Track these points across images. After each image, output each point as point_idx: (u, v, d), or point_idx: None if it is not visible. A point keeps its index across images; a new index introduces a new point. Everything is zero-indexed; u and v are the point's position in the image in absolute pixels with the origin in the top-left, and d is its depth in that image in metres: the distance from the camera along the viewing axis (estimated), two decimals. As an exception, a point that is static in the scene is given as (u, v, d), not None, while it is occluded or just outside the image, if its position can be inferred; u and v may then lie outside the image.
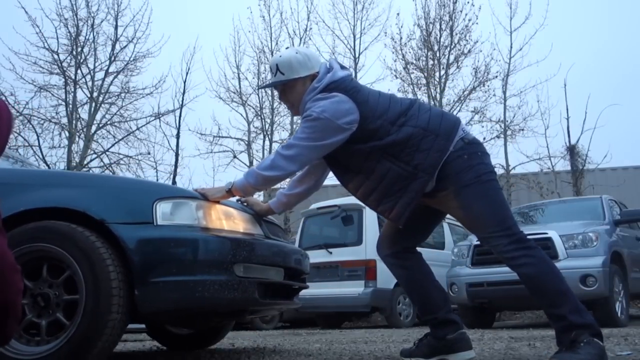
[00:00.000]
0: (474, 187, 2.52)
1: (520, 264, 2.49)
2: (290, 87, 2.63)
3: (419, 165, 2.50)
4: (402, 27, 15.56)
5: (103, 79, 14.39)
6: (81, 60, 14.13)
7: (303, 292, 3.65)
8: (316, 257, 7.91)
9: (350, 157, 2.58)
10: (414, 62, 15.46)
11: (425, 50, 15.37)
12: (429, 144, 2.50)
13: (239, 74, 16.18)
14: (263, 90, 16.00)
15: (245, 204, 2.95)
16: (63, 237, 2.44)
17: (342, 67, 2.65)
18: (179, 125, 14.96)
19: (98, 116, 14.37)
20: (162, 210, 2.54)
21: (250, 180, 2.59)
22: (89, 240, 2.43)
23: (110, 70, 14.42)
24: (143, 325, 4.03)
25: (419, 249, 2.93)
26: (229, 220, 2.71)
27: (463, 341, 2.74)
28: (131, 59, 14.49)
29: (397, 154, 2.52)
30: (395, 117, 2.54)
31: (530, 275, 2.48)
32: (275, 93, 16.14)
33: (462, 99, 15.25)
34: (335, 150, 2.55)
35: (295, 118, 15.77)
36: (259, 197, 16.05)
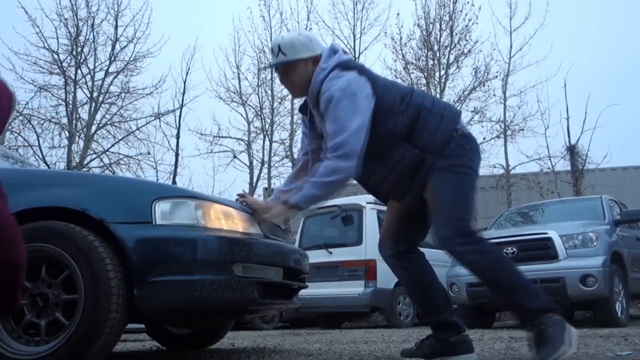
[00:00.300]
0: (445, 172, 2.51)
1: (467, 260, 2.49)
2: (292, 67, 2.60)
3: (425, 146, 2.50)
4: (402, 27, 15.59)
5: (103, 79, 14.42)
6: (81, 60, 14.14)
7: (303, 292, 3.65)
8: (316, 257, 7.91)
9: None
10: (414, 62, 15.48)
11: (425, 50, 15.37)
12: (435, 124, 2.51)
13: (239, 74, 16.21)
14: (263, 90, 16.02)
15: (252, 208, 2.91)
16: (61, 237, 2.44)
17: (344, 52, 2.66)
18: (179, 125, 14.99)
19: (98, 116, 14.40)
20: (161, 210, 2.54)
21: (316, 192, 2.49)
22: (87, 240, 2.43)
23: (110, 70, 14.46)
24: (143, 325, 4.03)
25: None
26: (228, 220, 2.71)
27: (465, 344, 2.72)
28: (131, 59, 14.52)
29: (409, 138, 2.51)
30: (402, 95, 2.55)
31: (477, 270, 2.48)
32: (276, 92, 16.11)
33: (462, 99, 15.26)
34: None
35: (295, 117, 15.78)
36: (259, 196, 16.06)
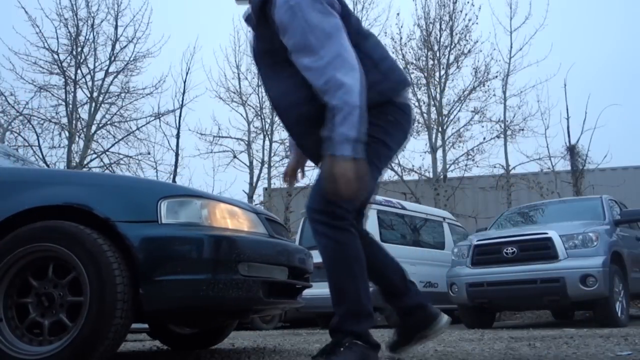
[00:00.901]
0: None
1: (319, 242, 2.18)
2: None
3: None
4: (402, 27, 15.60)
5: (103, 79, 14.41)
6: (81, 60, 14.13)
7: (304, 292, 3.66)
8: (316, 257, 7.89)
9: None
10: (414, 62, 15.48)
11: (425, 50, 15.38)
12: (372, 81, 2.14)
13: (239, 74, 16.19)
14: (263, 90, 15.96)
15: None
16: (70, 238, 2.43)
17: None
18: (179, 125, 14.98)
19: (98, 116, 14.39)
20: (167, 209, 2.54)
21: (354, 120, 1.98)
22: (96, 243, 2.41)
23: (110, 70, 14.44)
24: (143, 325, 4.04)
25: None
26: (233, 219, 2.72)
27: (432, 312, 2.46)
28: (131, 59, 14.52)
29: None
30: (356, 31, 2.23)
31: (323, 259, 2.18)
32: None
33: (462, 99, 15.27)
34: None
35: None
36: (259, 196, 16.08)
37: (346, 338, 2.07)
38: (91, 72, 14.35)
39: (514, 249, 6.57)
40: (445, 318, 2.50)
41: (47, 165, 13.24)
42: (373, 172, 2.17)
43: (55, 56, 13.85)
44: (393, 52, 15.59)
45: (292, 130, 2.35)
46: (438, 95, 15.22)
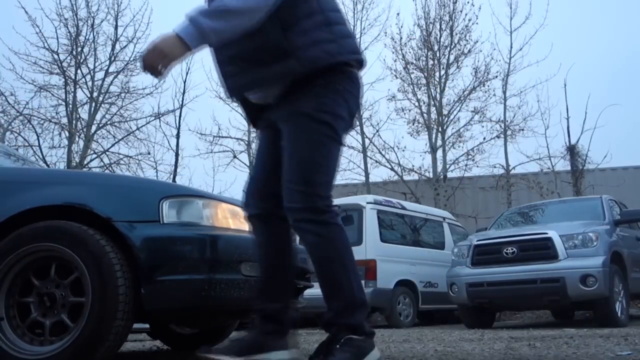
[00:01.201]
0: (307, 119, 2.05)
1: (306, 240, 2.08)
2: None
3: (296, 50, 2.01)
4: (402, 27, 15.59)
5: (103, 79, 14.40)
6: (81, 60, 14.13)
7: (304, 292, 3.67)
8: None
9: None
10: (414, 62, 15.48)
11: (425, 50, 15.38)
12: (321, 38, 2.03)
13: (239, 74, 16.14)
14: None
15: None
16: (73, 238, 2.44)
17: None
18: (179, 125, 14.97)
19: (98, 116, 14.39)
20: (168, 209, 2.54)
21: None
22: (98, 244, 2.42)
23: (110, 70, 14.43)
24: (144, 325, 4.04)
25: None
26: (235, 219, 2.73)
27: (285, 342, 2.19)
28: (131, 59, 14.50)
29: (286, 25, 2.02)
30: None
31: (312, 256, 2.10)
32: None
33: (462, 99, 15.27)
34: None
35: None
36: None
37: (341, 333, 2.03)
38: (91, 72, 14.36)
39: (514, 249, 6.57)
40: (287, 356, 2.20)
41: (47, 165, 13.24)
42: (333, 147, 2.09)
43: (55, 56, 13.86)
44: (393, 52, 15.64)
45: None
46: (438, 95, 15.22)
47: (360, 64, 2.19)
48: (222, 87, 2.23)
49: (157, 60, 1.89)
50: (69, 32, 14.06)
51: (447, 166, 14.95)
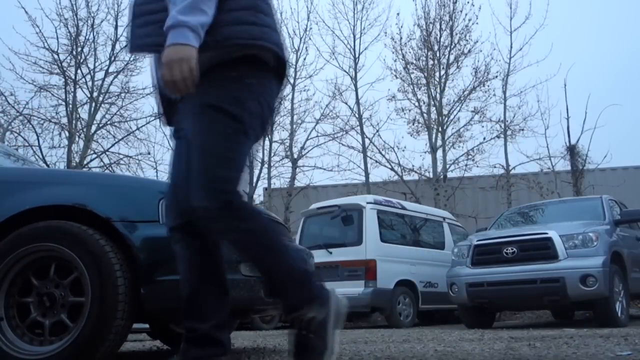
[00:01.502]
0: (214, 110, 1.86)
1: (229, 239, 1.93)
2: None
3: (214, 25, 1.81)
4: (402, 27, 15.64)
5: (103, 79, 14.43)
6: (81, 60, 14.15)
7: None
8: (316, 257, 7.91)
9: None
10: (414, 62, 15.50)
11: (425, 50, 15.39)
12: (240, 15, 1.87)
13: (239, 74, 16.15)
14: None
15: None
16: (72, 238, 2.44)
17: None
18: (179, 125, 14.95)
19: (98, 116, 14.41)
20: None
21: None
22: (98, 244, 2.43)
23: (110, 70, 14.47)
24: (144, 325, 4.04)
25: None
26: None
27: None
28: (131, 58, 14.51)
29: None
30: None
31: (242, 252, 1.98)
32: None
33: (462, 99, 15.28)
34: None
35: (295, 117, 15.81)
36: (259, 196, 16.08)
37: (308, 323, 1.91)
38: (91, 72, 14.38)
39: (514, 249, 6.57)
40: None
41: (47, 165, 13.24)
42: (242, 141, 1.89)
43: (55, 56, 13.89)
44: (393, 52, 15.66)
45: None
46: (438, 95, 15.23)
47: (280, 60, 1.99)
48: (127, 42, 2.01)
49: (176, 72, 1.73)
50: (69, 32, 14.11)
51: (447, 166, 14.96)
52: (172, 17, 1.75)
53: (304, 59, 16.16)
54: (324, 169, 15.79)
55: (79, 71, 14.15)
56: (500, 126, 15.18)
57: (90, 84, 14.35)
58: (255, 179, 15.82)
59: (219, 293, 2.00)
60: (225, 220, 1.84)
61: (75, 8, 14.19)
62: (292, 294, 1.94)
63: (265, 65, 1.96)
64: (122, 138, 14.48)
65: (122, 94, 14.62)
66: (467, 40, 15.29)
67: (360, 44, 16.08)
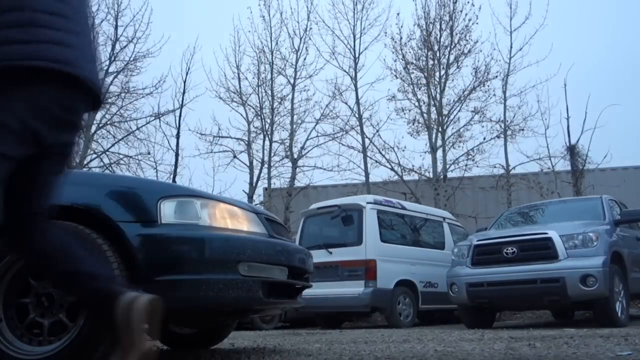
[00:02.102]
0: None
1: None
2: None
3: None
4: (402, 27, 15.60)
5: (103, 79, 14.40)
6: (81, 60, 14.12)
7: (303, 292, 3.67)
8: (316, 257, 7.91)
9: None
10: (414, 62, 15.49)
11: (425, 50, 15.38)
12: (4, 34, 1.67)
13: (239, 74, 16.20)
14: (263, 90, 16.03)
15: None
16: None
17: None
18: (179, 125, 15.00)
19: (98, 116, 14.41)
20: (167, 209, 2.55)
21: None
22: (96, 243, 2.42)
23: (110, 70, 14.46)
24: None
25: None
26: (233, 219, 2.72)
27: None
28: (131, 59, 14.54)
29: None
30: None
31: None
32: (276, 92, 15.98)
33: (462, 99, 15.28)
34: None
35: (295, 117, 15.81)
36: (259, 196, 16.09)
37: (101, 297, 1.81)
38: (91, 72, 14.35)
39: (514, 249, 6.57)
40: None
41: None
42: None
43: (55, 56, 13.84)
44: (393, 52, 15.65)
45: None
46: (438, 95, 15.22)
47: (63, 75, 1.74)
48: None
49: None
50: (69, 32, 14.06)
51: (447, 166, 14.95)
52: None
53: (304, 59, 16.18)
54: (324, 169, 15.80)
55: (79, 71, 14.14)
56: (500, 126, 15.18)
57: (90, 83, 14.33)
58: (255, 179, 15.83)
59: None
60: None
61: (75, 8, 14.18)
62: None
63: (30, 78, 1.71)
64: (122, 138, 14.51)
65: (122, 94, 14.66)
66: (467, 40, 15.30)
67: (360, 44, 16.10)
